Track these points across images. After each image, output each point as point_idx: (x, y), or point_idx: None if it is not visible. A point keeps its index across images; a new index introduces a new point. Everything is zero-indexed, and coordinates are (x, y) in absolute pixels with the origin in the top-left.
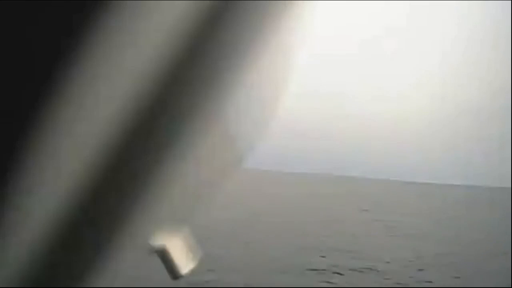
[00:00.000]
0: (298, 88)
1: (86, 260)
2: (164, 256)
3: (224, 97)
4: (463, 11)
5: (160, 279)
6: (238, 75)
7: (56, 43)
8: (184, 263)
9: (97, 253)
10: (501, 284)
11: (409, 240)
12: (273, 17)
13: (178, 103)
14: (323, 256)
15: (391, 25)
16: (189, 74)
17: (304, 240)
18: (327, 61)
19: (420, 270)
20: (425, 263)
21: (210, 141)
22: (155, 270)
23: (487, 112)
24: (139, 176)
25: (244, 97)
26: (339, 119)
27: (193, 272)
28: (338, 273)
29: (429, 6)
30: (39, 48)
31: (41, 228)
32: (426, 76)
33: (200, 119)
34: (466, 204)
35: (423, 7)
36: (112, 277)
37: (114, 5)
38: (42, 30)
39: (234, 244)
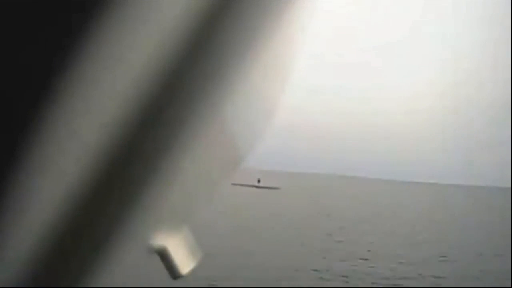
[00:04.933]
0: (300, 87)
1: (85, 260)
2: (164, 256)
3: (224, 96)
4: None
5: (160, 279)
6: (237, 74)
7: (56, 43)
8: (185, 263)
9: (96, 253)
10: (501, 284)
11: (409, 240)
12: (273, 17)
13: (177, 103)
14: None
15: (401, 28)
16: (188, 74)
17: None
18: (333, 62)
19: (418, 269)
20: (424, 263)
21: (210, 141)
22: (155, 270)
23: (487, 111)
24: (138, 176)
25: (244, 96)
26: (341, 119)
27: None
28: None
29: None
30: (40, 48)
31: (40, 228)
32: (427, 78)
33: (199, 118)
34: (466, 204)
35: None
36: (112, 277)
37: (114, 4)
38: (41, 30)
39: None
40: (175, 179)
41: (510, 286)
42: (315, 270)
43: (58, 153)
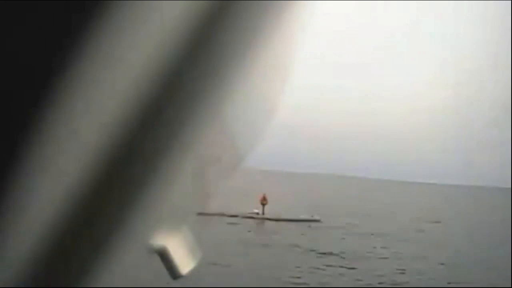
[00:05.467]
0: (300, 86)
1: (85, 260)
2: (164, 256)
3: (224, 96)
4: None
5: (160, 280)
6: (237, 74)
7: (56, 43)
8: (184, 263)
9: (96, 253)
10: (501, 284)
11: (408, 239)
12: (273, 17)
13: (177, 103)
14: None
15: (402, 27)
16: (188, 74)
17: None
18: (336, 62)
19: (419, 270)
20: (424, 263)
21: (210, 141)
22: (155, 270)
23: (487, 112)
24: (138, 176)
25: (244, 96)
26: (343, 118)
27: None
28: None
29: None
30: (39, 48)
31: (40, 228)
32: (427, 78)
33: (199, 118)
34: (467, 204)
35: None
36: (112, 277)
37: (114, 5)
38: (42, 31)
39: None
40: (175, 179)
41: (510, 286)
42: None
43: (58, 153)
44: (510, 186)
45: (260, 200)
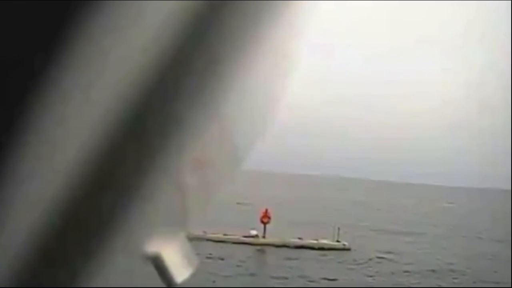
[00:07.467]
0: (301, 85)
1: (76, 264)
2: (158, 263)
3: (223, 97)
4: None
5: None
6: (237, 74)
7: (51, 42)
8: (179, 271)
9: (87, 258)
10: (501, 284)
11: (409, 239)
12: (273, 15)
13: (174, 103)
14: None
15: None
16: (186, 72)
17: None
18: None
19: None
20: (423, 264)
21: (208, 142)
22: (149, 277)
23: (488, 113)
24: (133, 178)
25: (243, 96)
26: (344, 118)
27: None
28: None
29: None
30: (34, 46)
31: (30, 229)
32: (428, 79)
33: (197, 119)
34: (470, 206)
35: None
36: (103, 283)
37: (111, 2)
38: (34, 29)
39: None
40: (172, 181)
41: (510, 287)
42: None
43: (50, 156)
44: (510, 188)
45: (260, 217)
